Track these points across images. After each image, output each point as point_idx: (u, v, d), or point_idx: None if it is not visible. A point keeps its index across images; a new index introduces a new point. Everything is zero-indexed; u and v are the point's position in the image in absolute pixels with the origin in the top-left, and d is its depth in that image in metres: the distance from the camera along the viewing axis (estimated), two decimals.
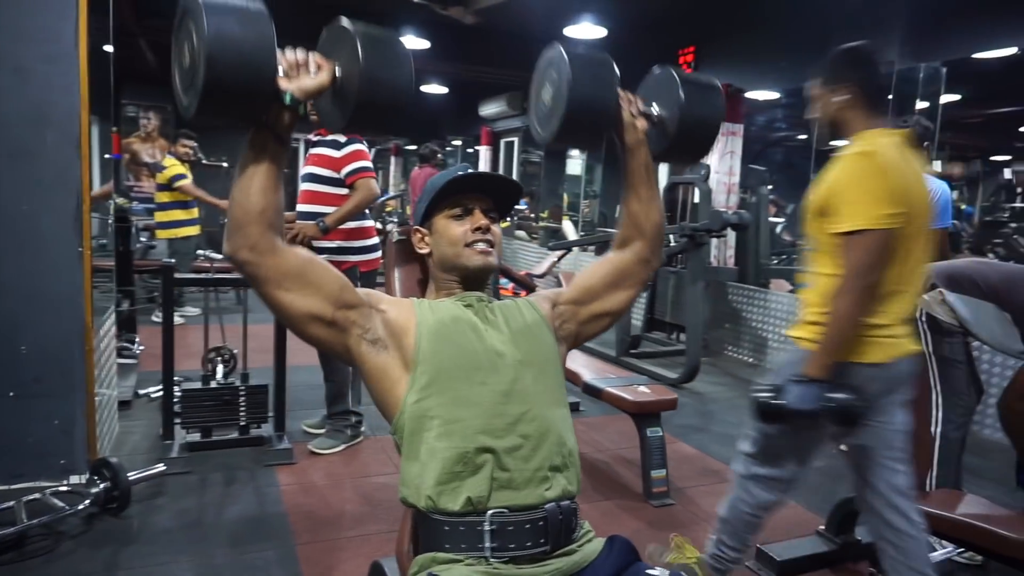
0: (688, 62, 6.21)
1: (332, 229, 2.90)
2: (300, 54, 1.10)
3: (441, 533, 1.11)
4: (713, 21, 5.97)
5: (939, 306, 2.52)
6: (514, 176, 9.37)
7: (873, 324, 1.68)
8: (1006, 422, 2.24)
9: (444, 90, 9.68)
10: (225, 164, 7.75)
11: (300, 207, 3.09)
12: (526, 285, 6.64)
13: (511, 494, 1.12)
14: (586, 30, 6.04)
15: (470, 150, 11.57)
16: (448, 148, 11.08)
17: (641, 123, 1.33)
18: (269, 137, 1.10)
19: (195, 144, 5.78)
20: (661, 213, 1.39)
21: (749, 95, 5.61)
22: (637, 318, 5.55)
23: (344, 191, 2.98)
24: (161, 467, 2.57)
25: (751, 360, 5.28)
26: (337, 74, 1.11)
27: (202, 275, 3.00)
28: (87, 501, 2.28)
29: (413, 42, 6.83)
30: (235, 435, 3.01)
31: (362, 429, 3.23)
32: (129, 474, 2.38)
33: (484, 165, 9.81)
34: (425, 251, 1.37)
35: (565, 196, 8.40)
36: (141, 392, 3.63)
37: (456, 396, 1.17)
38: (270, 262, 1.12)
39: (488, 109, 9.43)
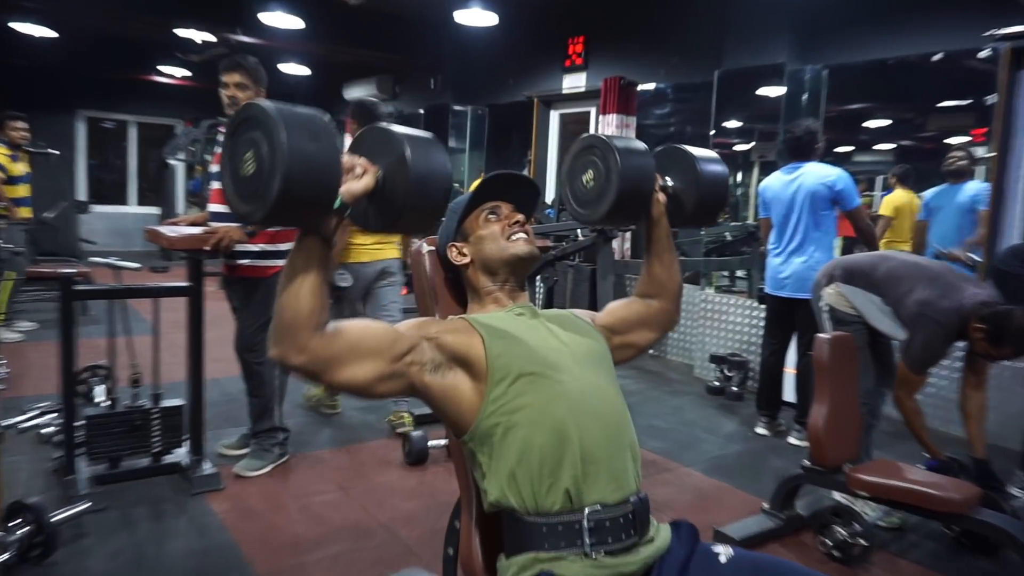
0: (578, 52, 6.54)
1: (258, 232, 2.85)
2: (347, 158, 1.19)
3: (539, 534, 1.22)
4: (604, 13, 6.33)
5: (838, 297, 2.96)
6: None
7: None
8: (901, 409, 2.68)
9: (306, 71, 9.42)
10: (53, 152, 7.08)
11: (213, 207, 3.01)
12: None
13: (602, 487, 1.25)
14: (476, 16, 6.18)
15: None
16: None
17: (662, 197, 1.53)
18: (318, 241, 1.18)
19: (27, 126, 5.29)
20: (679, 272, 1.57)
21: (641, 87, 6.01)
22: None
23: None
24: (87, 504, 2.42)
25: (652, 352, 5.70)
26: (379, 177, 1.20)
27: (108, 286, 2.82)
28: (6, 553, 2.12)
29: (285, 20, 6.62)
30: (147, 463, 2.88)
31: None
32: (51, 515, 2.24)
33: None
34: (465, 261, 1.48)
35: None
36: (6, 423, 3.34)
37: (541, 393, 1.28)
38: (323, 355, 1.19)
39: (354, 92, 9.31)
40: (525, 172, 7.36)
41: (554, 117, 7.06)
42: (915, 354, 2.62)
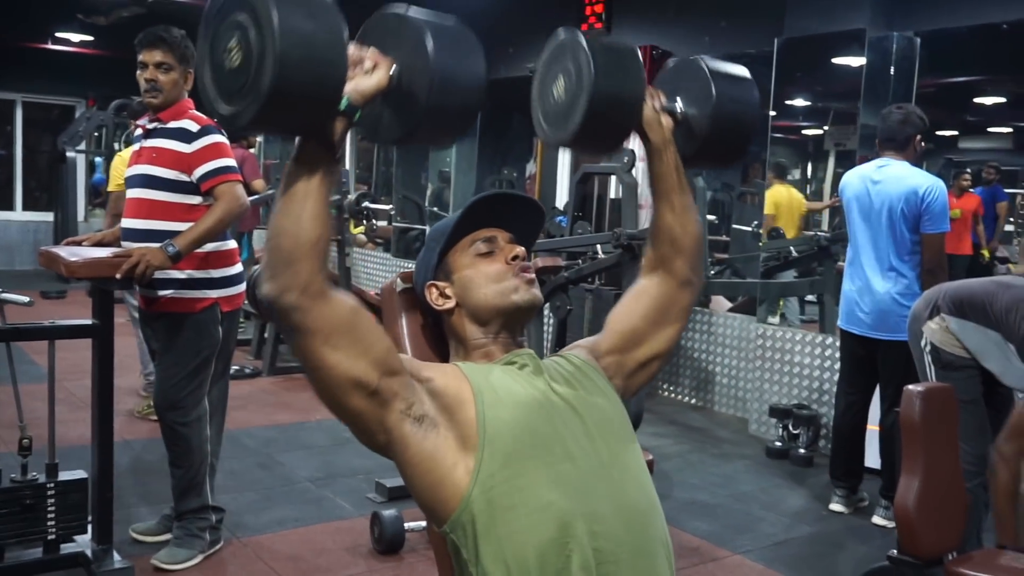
0: (597, 13, 6.65)
1: (186, 254, 2.91)
2: (355, 49, 1.24)
3: None
4: None
5: (944, 334, 3.01)
6: (347, 161, 9.44)
7: None
8: (994, 471, 2.70)
9: None
10: None
11: (128, 223, 3.07)
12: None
13: None
14: None
15: None
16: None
17: (666, 120, 1.54)
18: (320, 150, 1.24)
19: None
20: (698, 223, 1.61)
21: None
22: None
23: (196, 200, 3.01)
24: None
25: (694, 401, 5.75)
26: (393, 73, 1.25)
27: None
28: None
29: None
30: (40, 554, 2.91)
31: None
32: None
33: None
34: (449, 305, 1.52)
35: (430, 185, 8.59)
36: None
37: (541, 476, 1.32)
38: (322, 310, 1.25)
39: None
40: (530, 167, 7.49)
41: None
42: None
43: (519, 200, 1.60)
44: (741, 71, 1.61)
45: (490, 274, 1.49)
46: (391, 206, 8.14)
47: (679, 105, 1.57)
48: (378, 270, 8.41)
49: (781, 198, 5.73)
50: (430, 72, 1.23)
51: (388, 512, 3.29)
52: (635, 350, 1.57)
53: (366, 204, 6.46)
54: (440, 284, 1.53)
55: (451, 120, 1.29)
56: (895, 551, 2.62)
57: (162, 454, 3.15)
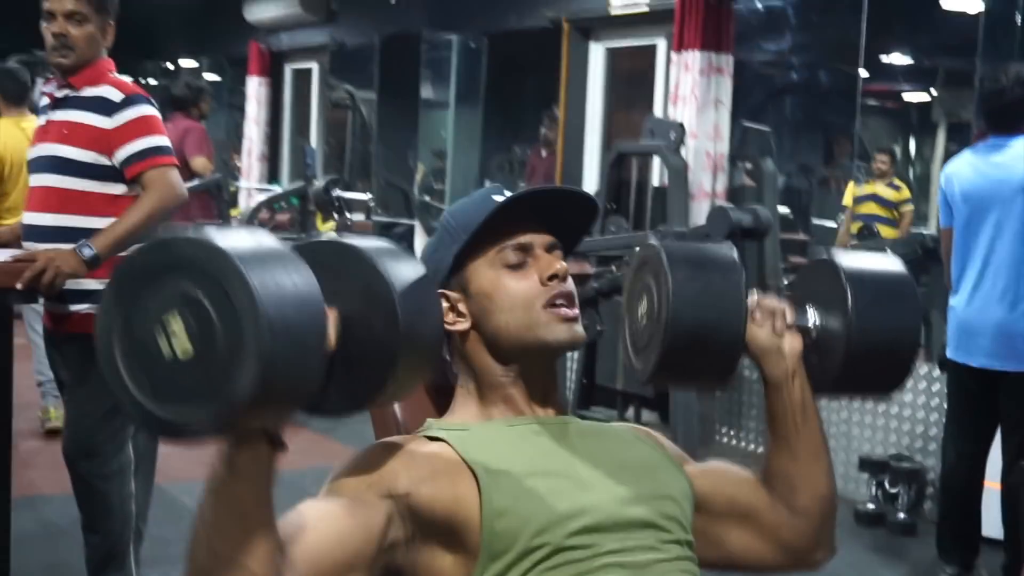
0: None
1: (105, 259, 2.94)
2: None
3: None
4: None
5: None
6: (315, 134, 9.49)
7: None
8: None
9: None
10: None
11: (30, 217, 3.10)
12: None
13: None
14: None
15: (218, 78, 11.53)
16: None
17: (793, 343, 1.51)
18: (269, 451, 1.18)
19: None
20: (831, 482, 1.57)
21: (742, 5, 6.12)
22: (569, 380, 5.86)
23: (119, 189, 3.04)
24: None
25: (761, 450, 5.74)
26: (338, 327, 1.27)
27: None
28: None
29: None
30: None
31: None
32: None
33: (255, 108, 9.84)
34: (462, 326, 1.50)
35: (421, 167, 8.61)
36: None
37: None
38: None
39: (262, 12, 9.51)
40: (545, 132, 7.46)
41: (596, 53, 7.18)
42: None
43: (568, 195, 1.58)
44: (892, 266, 1.56)
45: (518, 296, 1.46)
46: (369, 195, 8.16)
47: (812, 319, 1.54)
48: None
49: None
50: (389, 321, 1.25)
51: None
52: (712, 513, 1.55)
53: (337, 193, 6.50)
54: (452, 296, 1.50)
55: (413, 376, 1.36)
56: None
57: (74, 515, 3.16)
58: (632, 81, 7.16)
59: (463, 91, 8.25)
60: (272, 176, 9.81)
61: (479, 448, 1.39)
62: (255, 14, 9.62)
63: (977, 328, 3.76)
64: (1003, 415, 3.78)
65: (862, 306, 1.46)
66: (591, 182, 7.02)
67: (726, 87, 6.05)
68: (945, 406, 4.29)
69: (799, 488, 1.54)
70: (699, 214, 5.64)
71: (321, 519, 1.25)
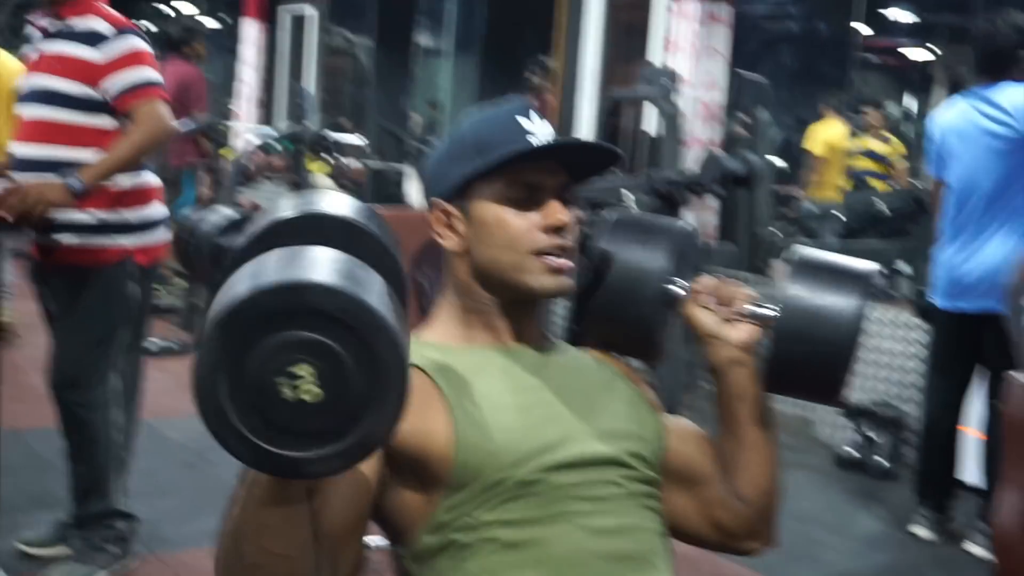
0: None
1: (91, 190, 2.95)
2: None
3: None
4: None
5: None
6: (312, 80, 9.46)
7: None
8: None
9: None
10: None
11: (19, 148, 3.10)
12: None
13: None
14: None
15: (218, 26, 11.49)
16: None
17: (740, 332, 1.51)
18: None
19: None
20: (773, 477, 1.57)
21: None
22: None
23: (108, 122, 3.04)
24: None
25: None
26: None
27: None
28: None
29: None
30: None
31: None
32: None
33: (252, 52, 9.81)
34: (451, 244, 1.48)
35: (418, 117, 8.61)
36: None
37: (532, 513, 1.35)
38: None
39: None
40: (534, 80, 7.42)
41: (594, 1, 7.15)
42: None
43: (593, 148, 1.56)
44: (850, 266, 1.50)
45: (514, 235, 1.43)
46: (365, 140, 8.14)
47: (763, 307, 1.50)
48: None
49: (836, 138, 5.73)
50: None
51: None
52: (669, 477, 1.55)
53: (331, 136, 6.50)
54: (451, 212, 1.48)
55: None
56: None
57: (58, 446, 3.18)
58: (631, 31, 7.13)
59: (461, 40, 8.23)
60: (267, 120, 9.78)
61: (455, 379, 1.40)
62: None
63: (968, 273, 3.79)
64: (988, 359, 3.82)
65: (791, 318, 1.44)
66: (587, 129, 7.02)
67: (724, 36, 6.05)
68: (926, 355, 4.33)
69: (740, 474, 1.56)
70: (692, 161, 5.65)
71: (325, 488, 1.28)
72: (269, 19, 9.95)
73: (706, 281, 1.52)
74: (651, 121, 5.95)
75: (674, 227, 1.58)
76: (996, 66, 3.75)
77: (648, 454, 1.47)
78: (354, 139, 7.00)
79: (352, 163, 7.42)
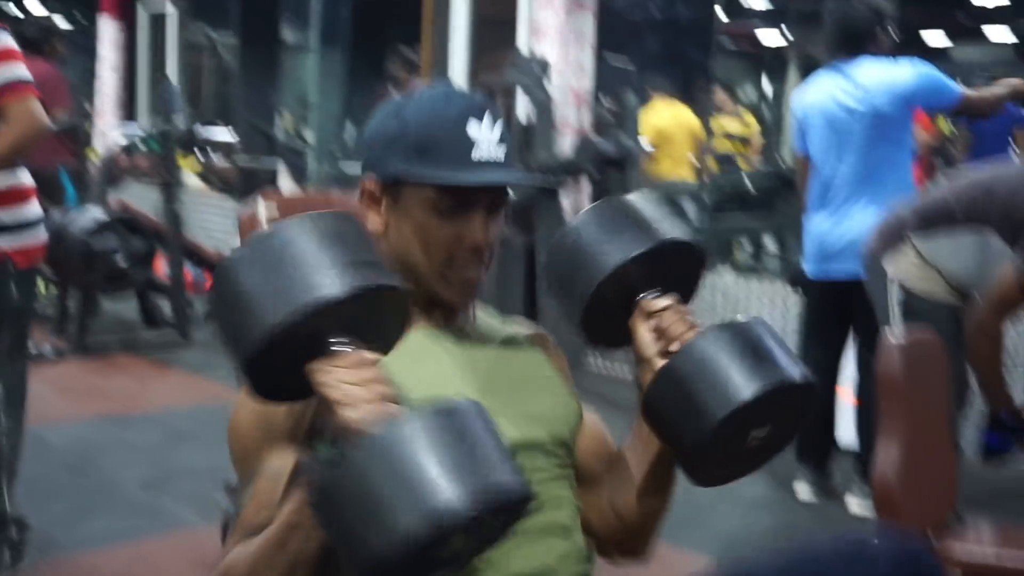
0: None
1: None
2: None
3: None
4: None
5: (915, 268, 3.19)
6: (174, 78, 9.30)
7: None
8: (974, 344, 3.01)
9: None
10: None
11: None
12: None
13: None
14: None
15: (69, 26, 11.19)
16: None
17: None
18: None
19: None
20: (666, 499, 1.59)
21: None
22: None
23: None
24: None
25: (631, 377, 5.87)
26: None
27: None
28: None
29: None
30: None
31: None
32: None
33: (111, 50, 9.60)
34: (373, 224, 1.46)
35: (287, 115, 8.51)
36: None
37: None
38: None
39: None
40: (393, 71, 7.39)
41: None
42: None
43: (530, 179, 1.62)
44: (753, 335, 1.54)
45: (432, 244, 1.43)
46: (236, 137, 8.02)
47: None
48: (218, 220, 8.33)
49: (666, 123, 5.88)
50: None
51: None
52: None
53: (201, 133, 6.41)
54: (376, 193, 1.47)
55: None
56: None
57: None
58: (497, 20, 7.18)
59: (327, 35, 8.17)
60: (129, 118, 9.56)
61: (391, 363, 1.34)
62: None
63: (835, 242, 3.93)
64: (859, 324, 3.97)
65: (685, 364, 1.44)
66: None
67: (590, 24, 6.13)
68: (800, 324, 4.47)
69: (630, 489, 1.57)
70: (564, 145, 5.73)
71: (263, 491, 1.35)
72: (127, 17, 9.75)
73: (669, 307, 1.51)
74: (522, 108, 6.00)
75: (672, 233, 1.51)
76: (853, 43, 3.89)
77: (568, 438, 1.53)
78: (225, 135, 6.90)
79: (221, 161, 7.33)
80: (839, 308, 4.00)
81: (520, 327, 1.64)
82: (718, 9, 5.86)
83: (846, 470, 4.16)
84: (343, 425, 1.17)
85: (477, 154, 1.41)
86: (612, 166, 5.15)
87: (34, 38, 6.69)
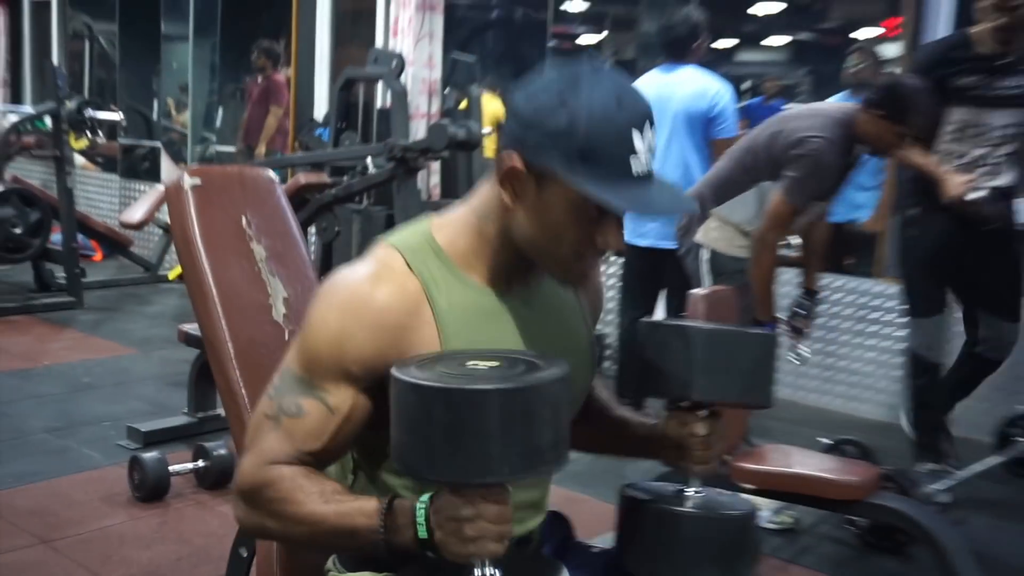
0: None
1: None
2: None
3: None
4: None
5: (721, 235, 3.41)
6: (57, 63, 8.97)
7: None
8: (756, 256, 3.26)
9: None
10: None
11: None
12: (117, 242, 6.63)
13: None
14: None
15: None
16: None
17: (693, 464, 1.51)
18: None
19: None
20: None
21: None
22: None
23: None
24: None
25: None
26: None
27: None
28: None
29: None
30: None
31: None
32: None
33: None
34: (507, 198, 1.32)
35: (171, 101, 8.30)
36: None
37: None
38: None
39: None
40: (256, 61, 7.29)
41: None
42: (799, 179, 3.15)
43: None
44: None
45: (567, 239, 1.32)
46: (121, 116, 7.79)
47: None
48: (102, 194, 8.12)
49: (499, 111, 6.05)
50: None
51: (149, 455, 3.35)
52: None
53: (90, 113, 6.25)
54: (524, 177, 1.30)
55: None
56: None
57: None
58: (357, 17, 7.17)
59: (200, 25, 7.99)
60: (15, 101, 9.20)
61: (450, 311, 1.35)
62: None
63: (648, 217, 4.13)
64: (667, 284, 4.18)
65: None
66: (321, 105, 7.05)
67: (438, 23, 6.20)
68: (620, 285, 4.68)
69: (591, 435, 1.60)
70: (417, 130, 5.82)
71: (318, 419, 1.32)
72: (10, 4, 9.36)
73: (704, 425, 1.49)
74: (380, 97, 6.04)
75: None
76: (676, 51, 4.11)
77: (582, 399, 1.56)
78: (113, 116, 6.72)
79: (104, 140, 7.13)
80: (653, 271, 4.20)
81: None
82: (548, 13, 5.92)
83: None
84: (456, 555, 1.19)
85: (637, 167, 1.28)
86: (460, 148, 5.24)
87: None
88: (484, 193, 1.39)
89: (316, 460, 1.33)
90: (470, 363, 1.22)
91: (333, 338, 1.30)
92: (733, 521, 1.47)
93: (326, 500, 1.28)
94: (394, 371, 1.18)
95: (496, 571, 1.20)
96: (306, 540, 1.37)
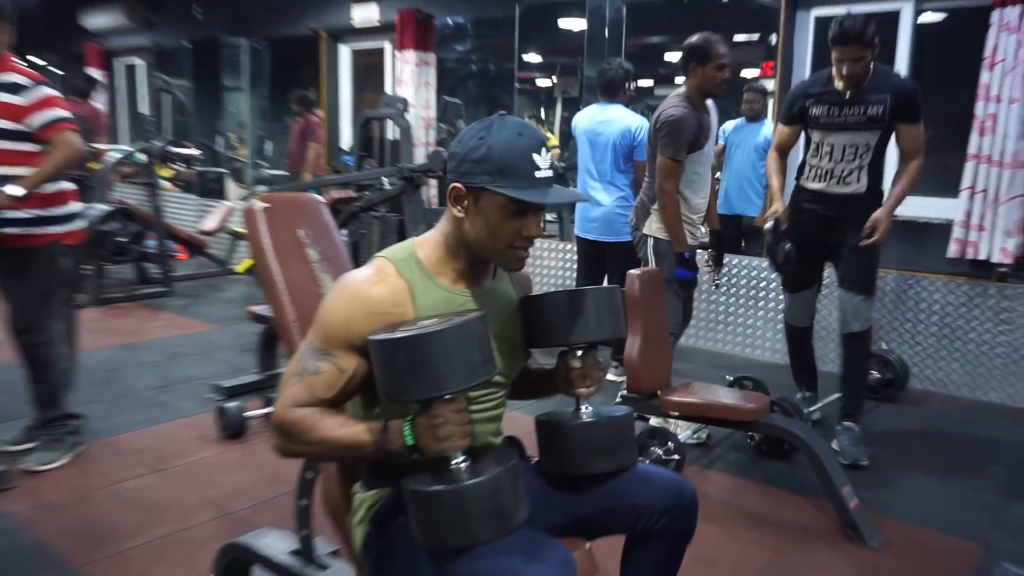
0: None
1: (27, 196, 2.80)
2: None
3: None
4: None
5: (656, 224, 3.44)
6: (145, 111, 8.86)
7: None
8: (663, 202, 3.26)
9: None
10: None
11: None
12: (197, 245, 6.58)
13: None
14: None
15: (62, 73, 10.43)
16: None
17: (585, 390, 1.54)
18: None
19: None
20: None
21: (440, 22, 6.23)
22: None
23: (32, 147, 2.88)
24: None
25: None
26: None
27: None
28: None
29: None
30: None
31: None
32: None
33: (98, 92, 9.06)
34: (456, 213, 1.43)
35: (232, 136, 8.21)
36: None
37: None
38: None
39: (96, 20, 8.69)
40: (295, 107, 7.27)
41: (344, 53, 7.11)
42: (668, 138, 3.18)
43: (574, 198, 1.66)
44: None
45: (501, 234, 1.42)
46: (199, 151, 7.70)
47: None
48: (184, 209, 8.05)
49: None
50: None
51: (231, 404, 3.37)
52: None
53: (172, 149, 6.20)
54: (465, 195, 1.41)
55: None
56: (625, 391, 3.07)
57: (15, 377, 3.07)
58: (369, 71, 7.14)
59: (253, 80, 7.92)
60: (114, 141, 9.07)
61: (424, 302, 1.43)
62: (90, 22, 8.78)
63: (591, 215, 4.16)
64: (608, 266, 4.22)
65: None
66: (346, 138, 7.01)
67: (432, 74, 6.19)
68: (575, 267, 4.71)
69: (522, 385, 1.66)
70: (420, 156, 5.81)
71: (331, 376, 1.39)
72: (105, 66, 9.22)
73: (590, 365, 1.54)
74: (390, 131, 6.03)
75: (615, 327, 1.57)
76: (610, 90, 4.12)
77: (514, 375, 1.58)
78: (190, 151, 6.66)
79: (183, 169, 7.06)
80: (597, 257, 4.23)
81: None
82: (514, 64, 5.91)
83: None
84: (435, 451, 1.30)
85: (539, 175, 1.38)
86: None
87: (81, 88, 6.51)
88: (445, 220, 1.48)
89: (329, 405, 1.40)
90: (419, 323, 1.34)
91: (342, 320, 1.38)
92: (612, 422, 1.54)
93: (340, 426, 1.38)
94: (370, 337, 1.31)
95: (466, 459, 1.31)
96: (327, 455, 1.46)
